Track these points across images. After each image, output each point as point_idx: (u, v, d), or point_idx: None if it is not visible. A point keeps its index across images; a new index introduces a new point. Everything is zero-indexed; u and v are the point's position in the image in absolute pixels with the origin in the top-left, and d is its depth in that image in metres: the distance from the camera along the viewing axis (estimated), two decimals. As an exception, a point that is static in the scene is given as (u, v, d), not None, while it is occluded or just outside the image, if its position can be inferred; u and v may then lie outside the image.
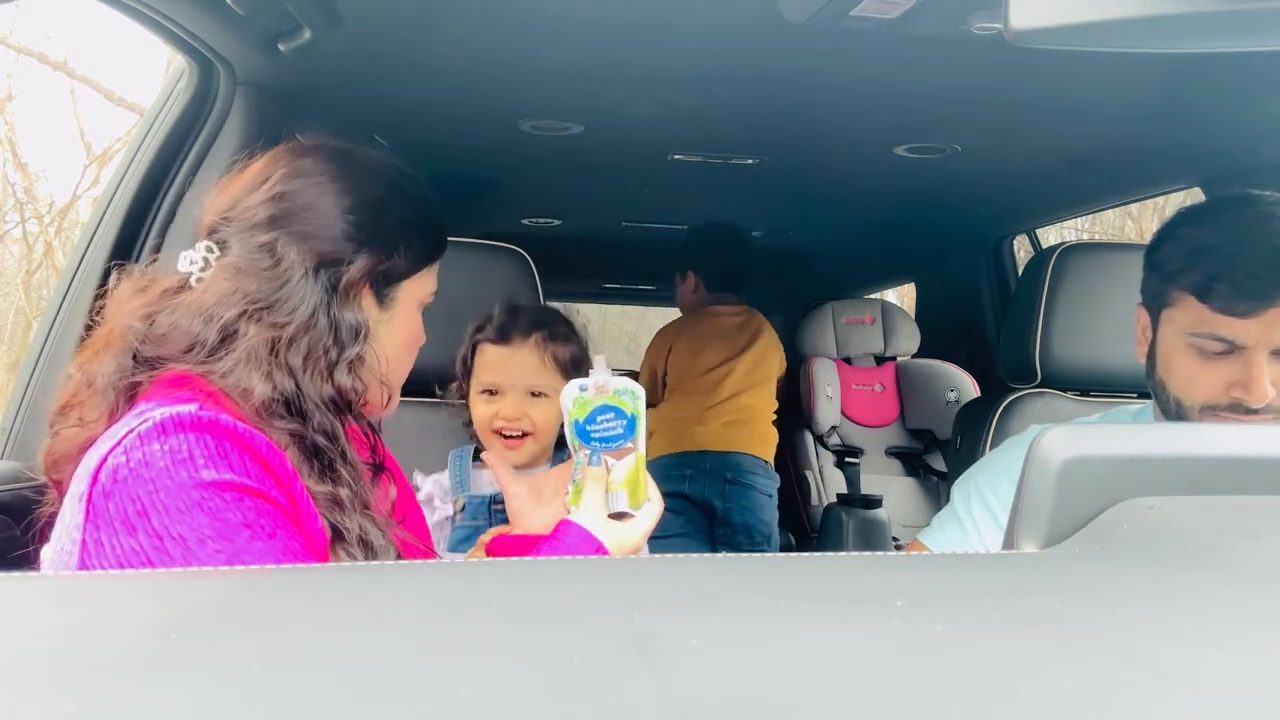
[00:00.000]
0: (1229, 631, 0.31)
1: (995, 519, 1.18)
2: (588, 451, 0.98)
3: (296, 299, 0.85)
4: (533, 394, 1.31)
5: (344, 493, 0.85)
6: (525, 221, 2.94)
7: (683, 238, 2.70)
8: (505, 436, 1.31)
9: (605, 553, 0.95)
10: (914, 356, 3.28)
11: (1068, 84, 1.48)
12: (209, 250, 0.87)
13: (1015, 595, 0.35)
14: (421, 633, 0.30)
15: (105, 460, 0.74)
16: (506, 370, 1.31)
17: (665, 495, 1.02)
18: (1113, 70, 1.40)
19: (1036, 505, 0.42)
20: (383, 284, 0.92)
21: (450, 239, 1.34)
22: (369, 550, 0.84)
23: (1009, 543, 0.43)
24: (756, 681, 0.27)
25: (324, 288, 0.86)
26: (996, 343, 2.64)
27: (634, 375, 3.70)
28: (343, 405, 0.87)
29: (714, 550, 2.57)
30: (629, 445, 0.99)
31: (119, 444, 0.74)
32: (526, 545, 1.05)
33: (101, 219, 1.41)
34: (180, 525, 0.72)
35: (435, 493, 1.38)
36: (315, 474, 0.83)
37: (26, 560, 0.87)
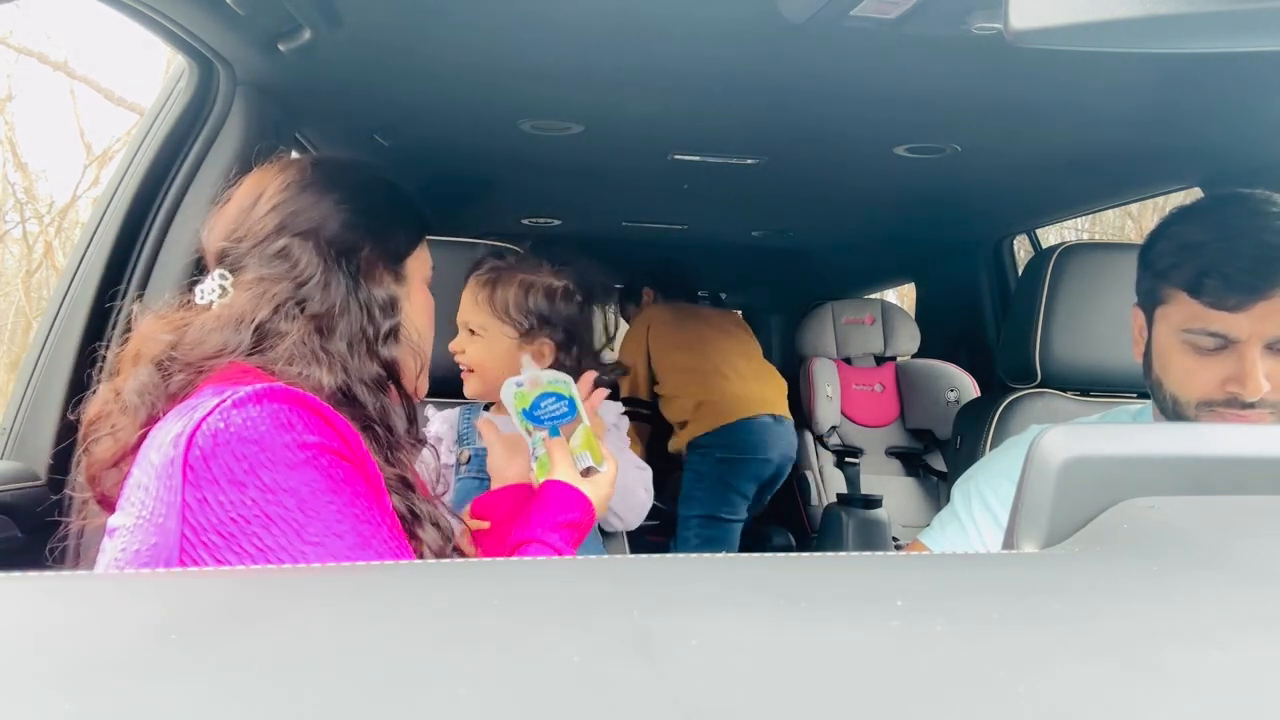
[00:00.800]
0: (1229, 631, 0.31)
1: (995, 519, 1.18)
2: (543, 432, 1.15)
3: (327, 288, 0.89)
4: (470, 331, 1.37)
5: (409, 476, 0.90)
6: (525, 221, 2.94)
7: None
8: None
9: (588, 500, 1.09)
10: (914, 356, 3.28)
11: (1068, 84, 1.48)
12: (223, 277, 0.91)
13: (1015, 595, 0.35)
14: (422, 633, 0.30)
15: (199, 426, 0.76)
16: (461, 307, 1.39)
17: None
18: (1113, 70, 1.40)
19: (1036, 505, 0.42)
20: (394, 260, 0.97)
21: (450, 239, 1.39)
22: (440, 531, 0.90)
23: (1009, 543, 0.43)
24: (757, 681, 0.27)
25: (346, 273, 0.91)
26: (996, 343, 2.64)
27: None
28: (391, 380, 0.92)
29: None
30: (575, 419, 1.17)
31: (213, 412, 0.76)
32: (512, 497, 1.17)
33: (101, 219, 1.41)
34: (291, 479, 0.76)
35: (444, 434, 1.43)
36: (382, 458, 0.87)
37: (27, 560, 0.88)
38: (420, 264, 1.03)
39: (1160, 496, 0.43)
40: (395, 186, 1.03)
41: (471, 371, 1.38)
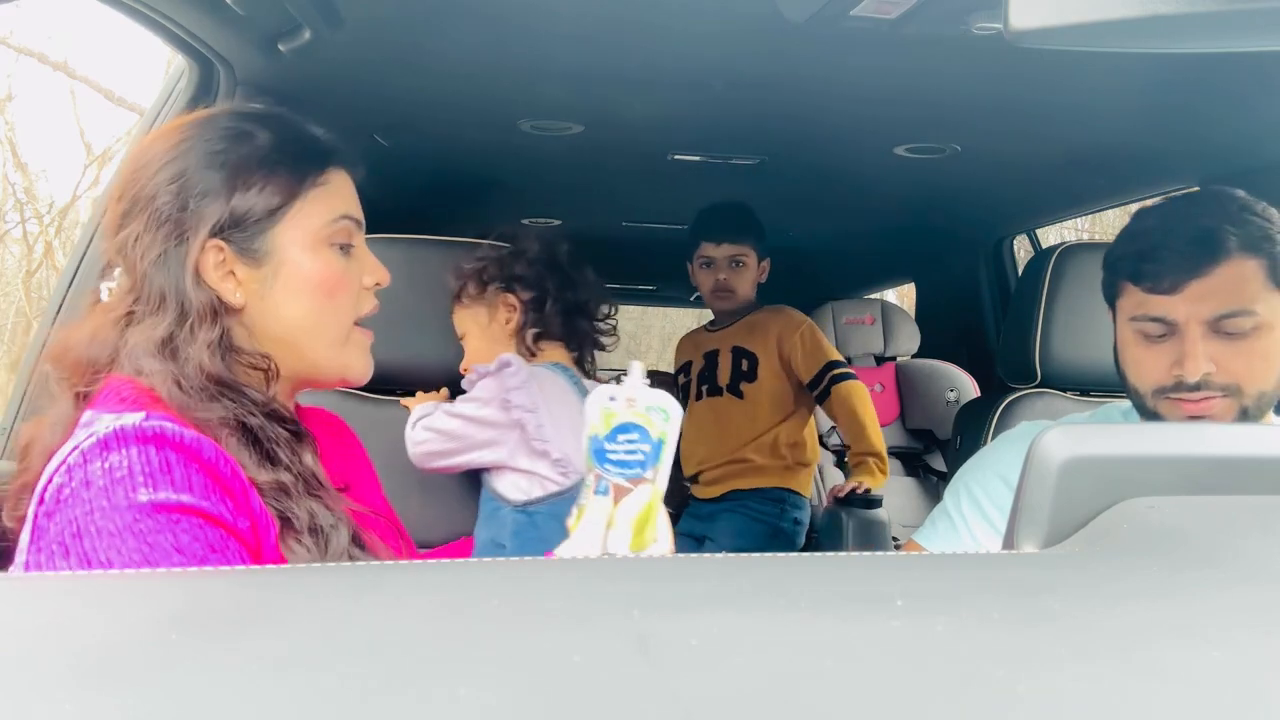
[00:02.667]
0: (1229, 631, 0.31)
1: (985, 516, 1.18)
2: (598, 474, 0.81)
3: (153, 293, 0.79)
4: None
5: (287, 478, 0.79)
6: (525, 221, 2.94)
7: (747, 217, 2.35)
8: None
9: None
10: (914, 356, 3.28)
11: (1068, 84, 1.48)
12: (109, 278, 0.84)
13: (1015, 595, 0.35)
14: (421, 633, 0.30)
15: (52, 478, 0.70)
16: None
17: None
18: (1113, 70, 1.40)
19: (1036, 505, 0.42)
20: (244, 240, 0.81)
21: (450, 239, 1.31)
22: (318, 535, 0.78)
23: (1009, 543, 0.43)
24: (756, 681, 0.27)
25: (170, 271, 0.79)
26: (996, 343, 2.64)
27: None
28: (231, 389, 0.79)
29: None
30: (647, 476, 0.81)
31: (63, 462, 0.71)
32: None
33: (101, 219, 1.41)
34: (108, 550, 0.68)
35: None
36: (255, 462, 0.77)
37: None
38: (302, 224, 0.83)
39: (1160, 496, 0.43)
40: (270, 136, 0.83)
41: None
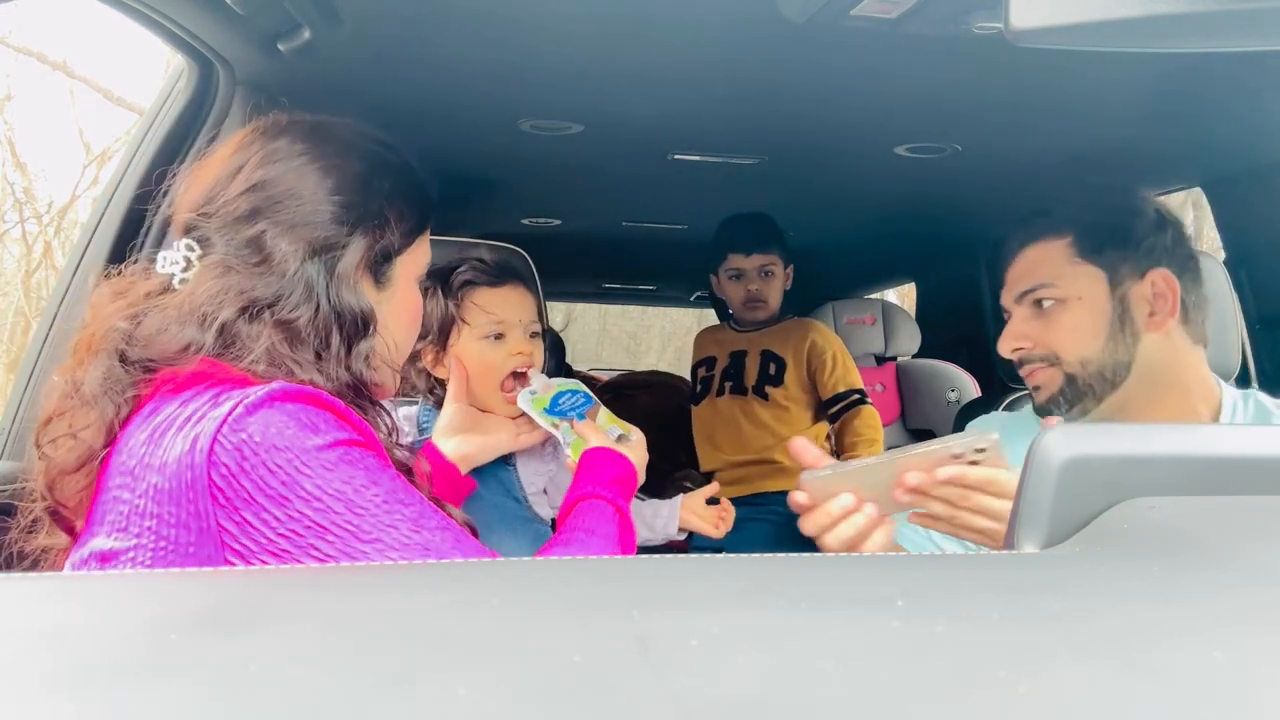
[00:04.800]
0: (1230, 632, 0.31)
1: None
2: (569, 421, 1.20)
3: (298, 293, 0.81)
4: (531, 334, 1.31)
5: (411, 469, 0.85)
6: (525, 221, 2.94)
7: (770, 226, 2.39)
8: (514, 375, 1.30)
9: (628, 460, 1.13)
10: (914, 356, 3.28)
11: (1068, 84, 1.48)
12: (189, 249, 0.82)
13: (1015, 595, 0.35)
14: (422, 633, 0.30)
15: (216, 441, 0.70)
16: (511, 310, 1.29)
17: None
18: (1113, 70, 1.40)
19: (1036, 505, 0.42)
20: (379, 263, 0.87)
21: (450, 239, 1.33)
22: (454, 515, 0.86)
23: (1009, 543, 0.43)
24: (756, 681, 0.27)
25: (322, 277, 0.82)
26: (996, 342, 2.63)
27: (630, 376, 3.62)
28: (362, 394, 0.84)
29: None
30: (594, 406, 1.23)
31: (224, 423, 0.71)
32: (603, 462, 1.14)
33: (100, 219, 1.41)
34: (333, 481, 0.72)
35: (405, 429, 1.32)
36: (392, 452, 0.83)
37: (25, 561, 0.87)
38: (413, 261, 0.92)
39: (1160, 496, 0.43)
40: (403, 168, 0.92)
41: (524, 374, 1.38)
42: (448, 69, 1.51)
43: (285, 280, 0.81)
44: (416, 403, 1.35)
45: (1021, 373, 1.16)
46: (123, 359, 0.77)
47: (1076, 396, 1.10)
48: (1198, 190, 2.02)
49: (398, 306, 0.91)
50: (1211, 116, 1.62)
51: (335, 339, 0.82)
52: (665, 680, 0.27)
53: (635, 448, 1.18)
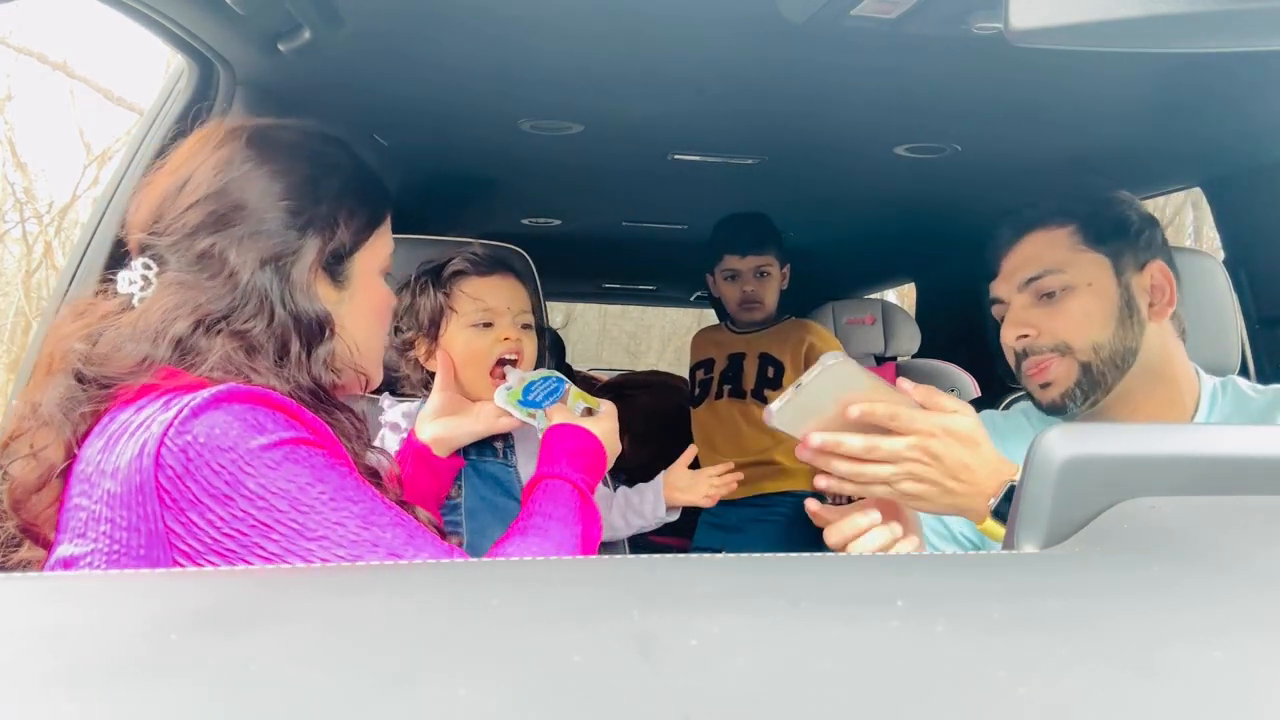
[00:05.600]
0: (1229, 631, 0.31)
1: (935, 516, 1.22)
2: (542, 411, 1.20)
3: (252, 303, 0.81)
4: (523, 326, 1.32)
5: (376, 469, 0.85)
6: (525, 221, 2.94)
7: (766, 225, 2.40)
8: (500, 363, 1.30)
9: (589, 432, 1.12)
10: (914, 356, 3.28)
11: (1068, 84, 1.48)
12: (146, 267, 0.83)
13: (1015, 595, 0.35)
14: (421, 633, 0.30)
15: (162, 444, 0.71)
16: (499, 298, 1.30)
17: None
18: (1113, 70, 1.40)
19: (1036, 505, 0.42)
20: (335, 263, 0.87)
21: (451, 239, 1.32)
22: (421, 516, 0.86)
23: (1009, 543, 0.43)
24: (756, 681, 0.27)
25: (276, 284, 0.82)
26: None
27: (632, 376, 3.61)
28: (323, 398, 0.84)
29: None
30: (567, 389, 1.24)
31: (170, 426, 0.71)
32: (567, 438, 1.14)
33: (100, 219, 1.41)
34: (277, 480, 0.72)
35: (402, 425, 1.33)
36: (355, 454, 0.83)
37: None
38: (372, 256, 0.92)
39: (1160, 496, 0.43)
40: (351, 166, 0.91)
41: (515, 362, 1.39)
42: (448, 69, 1.51)
43: (238, 291, 0.81)
44: (416, 399, 1.35)
45: (1027, 367, 1.13)
46: (79, 379, 0.78)
47: (1092, 387, 1.09)
48: (1198, 190, 2.02)
49: (360, 303, 0.91)
50: (1211, 116, 1.62)
51: (294, 346, 0.82)
52: (665, 680, 0.27)
53: (601, 419, 1.16)
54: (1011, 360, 1.17)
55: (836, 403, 0.87)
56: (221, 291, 0.81)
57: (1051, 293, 1.11)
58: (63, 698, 0.25)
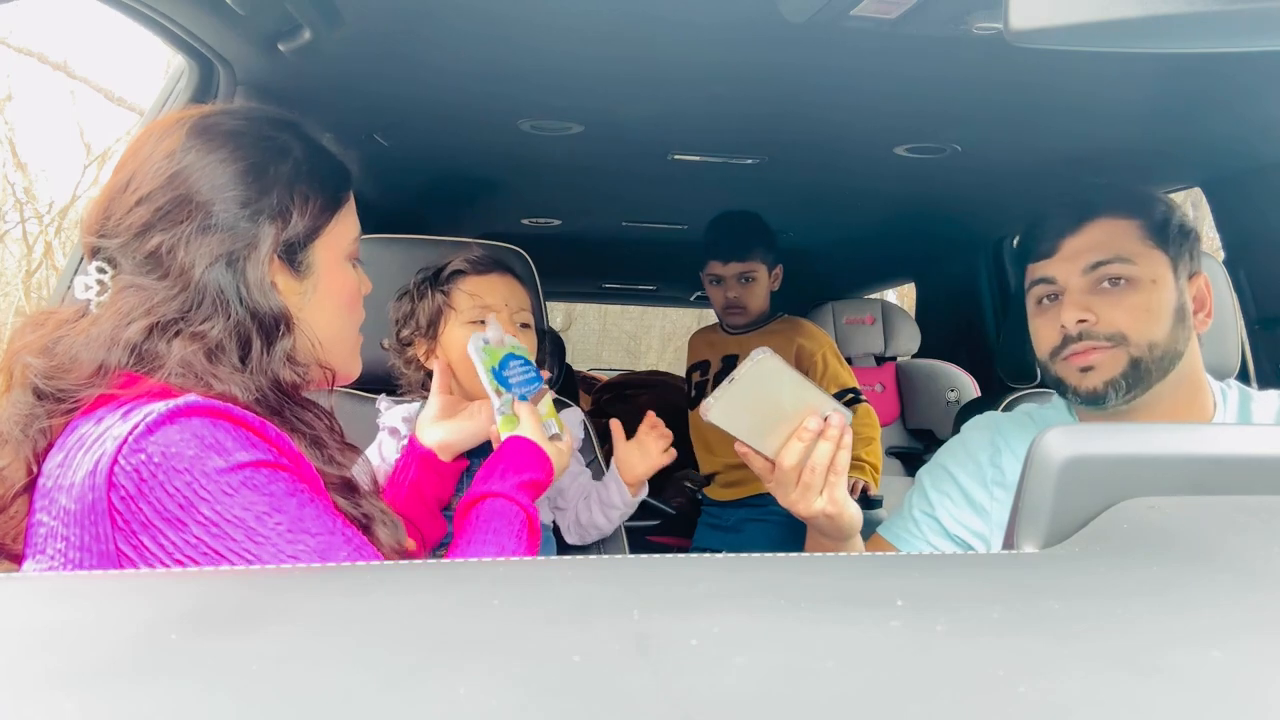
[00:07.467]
0: (1229, 632, 0.31)
1: (931, 507, 1.22)
2: (511, 396, 1.14)
3: (207, 303, 0.77)
4: (521, 325, 1.31)
5: (347, 475, 0.82)
6: (525, 221, 2.94)
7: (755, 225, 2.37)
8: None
9: (550, 463, 1.07)
10: (914, 356, 3.28)
11: (1068, 84, 1.48)
12: (101, 271, 0.79)
13: (1015, 595, 0.35)
14: (421, 633, 0.30)
15: (115, 462, 0.68)
16: (497, 295, 1.30)
17: None
18: (1113, 70, 1.40)
19: (1036, 505, 0.42)
20: (292, 253, 0.83)
21: (451, 239, 1.31)
22: (393, 529, 0.84)
23: (1009, 543, 0.43)
24: (756, 681, 0.27)
25: (231, 281, 0.78)
26: (996, 343, 2.64)
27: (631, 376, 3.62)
28: (286, 398, 0.81)
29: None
30: (541, 389, 1.18)
31: (125, 443, 0.68)
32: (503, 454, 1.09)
33: (99, 212, 1.40)
34: (233, 507, 0.69)
35: (400, 428, 1.33)
36: (317, 460, 0.80)
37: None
38: (335, 241, 0.87)
39: (1160, 496, 0.43)
40: (303, 148, 0.85)
41: None
42: (448, 69, 1.51)
43: (190, 291, 0.77)
44: (413, 401, 1.35)
45: (1074, 352, 1.08)
46: (37, 394, 0.75)
47: (1136, 382, 1.07)
48: (1198, 190, 2.02)
49: (325, 293, 0.87)
50: (1211, 116, 1.62)
51: (256, 344, 0.79)
52: (665, 680, 0.27)
53: (563, 451, 1.12)
54: (1050, 343, 1.12)
55: (767, 398, 0.94)
56: (174, 292, 0.77)
57: (1117, 280, 1.08)
58: (63, 697, 0.25)
